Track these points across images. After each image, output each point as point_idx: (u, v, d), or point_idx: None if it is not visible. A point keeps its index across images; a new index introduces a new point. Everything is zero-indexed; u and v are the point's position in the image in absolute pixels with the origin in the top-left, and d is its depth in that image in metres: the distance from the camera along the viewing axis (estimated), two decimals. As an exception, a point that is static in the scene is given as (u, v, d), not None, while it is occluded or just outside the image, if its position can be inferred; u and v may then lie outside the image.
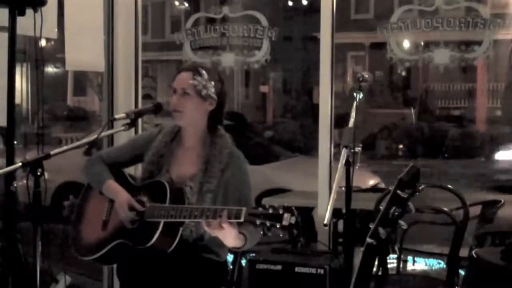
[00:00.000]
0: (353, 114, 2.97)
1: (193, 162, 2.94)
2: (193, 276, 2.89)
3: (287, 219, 2.44)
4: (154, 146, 3.00)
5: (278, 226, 2.44)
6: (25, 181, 2.64)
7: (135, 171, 3.37)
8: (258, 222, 2.48)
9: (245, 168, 2.96)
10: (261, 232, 2.50)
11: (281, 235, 2.52)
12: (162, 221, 2.73)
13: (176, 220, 2.71)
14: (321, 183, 4.42)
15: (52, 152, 2.69)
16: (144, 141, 3.07)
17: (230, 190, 2.88)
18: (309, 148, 14.39)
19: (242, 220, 2.53)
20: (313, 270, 3.79)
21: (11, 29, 3.30)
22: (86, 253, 2.98)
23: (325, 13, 4.41)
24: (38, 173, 2.61)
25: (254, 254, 4.08)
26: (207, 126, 2.95)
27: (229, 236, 2.62)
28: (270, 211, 2.46)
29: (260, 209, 2.50)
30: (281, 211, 2.45)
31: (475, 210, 4.25)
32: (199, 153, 2.95)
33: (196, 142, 2.97)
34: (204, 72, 2.88)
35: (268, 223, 2.46)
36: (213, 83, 2.88)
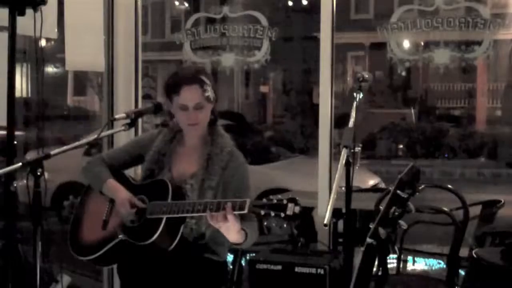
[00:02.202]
0: (353, 114, 2.97)
1: (194, 160, 2.95)
2: (193, 276, 2.89)
3: (291, 208, 2.48)
4: (155, 145, 3.01)
5: (282, 215, 2.48)
6: (25, 181, 2.64)
7: (135, 174, 3.37)
8: (262, 212, 2.52)
9: (244, 168, 2.98)
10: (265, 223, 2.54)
11: (285, 226, 2.55)
12: (164, 217, 2.74)
13: (178, 215, 2.72)
14: (321, 183, 4.41)
15: (52, 152, 2.69)
16: (145, 142, 3.08)
17: (229, 189, 2.90)
18: (309, 148, 14.39)
19: (246, 211, 2.56)
20: (313, 270, 3.79)
21: (11, 29, 3.30)
22: (86, 253, 2.98)
23: (325, 13, 4.41)
24: (38, 173, 2.61)
25: (254, 254, 4.08)
26: (209, 123, 2.97)
27: (233, 230, 2.63)
28: (274, 201, 2.50)
29: (264, 200, 2.54)
30: (285, 201, 2.50)
31: (475, 210, 4.25)
32: (200, 152, 2.96)
33: (197, 141, 2.98)
34: (205, 79, 2.88)
35: (272, 213, 2.50)
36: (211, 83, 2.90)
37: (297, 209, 2.50)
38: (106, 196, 2.99)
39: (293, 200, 2.50)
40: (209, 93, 2.87)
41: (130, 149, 3.14)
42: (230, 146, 2.97)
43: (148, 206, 2.83)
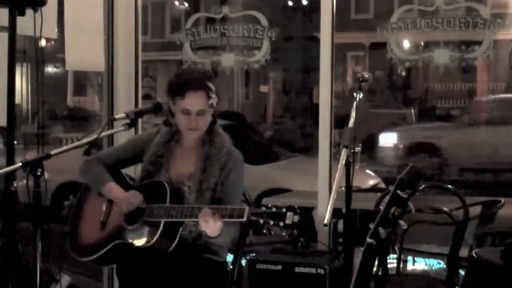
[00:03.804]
0: (353, 114, 2.97)
1: (192, 161, 2.94)
2: (193, 276, 2.89)
3: (290, 217, 2.45)
4: (153, 146, 2.99)
5: (281, 224, 2.44)
6: (25, 181, 2.64)
7: (135, 174, 3.36)
8: (261, 221, 2.49)
9: (241, 169, 2.97)
10: (264, 231, 2.50)
11: (283, 234, 2.51)
12: (163, 221, 2.73)
13: (177, 220, 2.71)
14: (321, 183, 4.41)
15: (52, 152, 2.69)
16: (142, 141, 3.07)
17: (224, 185, 2.89)
18: (309, 148, 14.36)
19: (245, 219, 2.53)
20: (313, 270, 3.79)
21: (11, 29, 3.30)
22: (85, 254, 2.98)
23: (325, 13, 4.40)
24: (38, 173, 2.61)
25: (254, 254, 4.08)
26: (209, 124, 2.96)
27: (217, 229, 2.61)
28: (273, 210, 2.47)
29: (263, 208, 2.50)
30: (284, 210, 2.46)
31: (475, 210, 4.25)
32: (198, 152, 2.95)
33: (195, 142, 2.97)
34: (211, 85, 2.86)
35: (271, 222, 2.46)
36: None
37: (296, 218, 2.46)
38: (104, 197, 2.98)
39: (292, 209, 2.46)
40: (213, 100, 2.86)
41: (127, 149, 3.12)
42: (229, 146, 2.95)
43: (146, 208, 2.82)
